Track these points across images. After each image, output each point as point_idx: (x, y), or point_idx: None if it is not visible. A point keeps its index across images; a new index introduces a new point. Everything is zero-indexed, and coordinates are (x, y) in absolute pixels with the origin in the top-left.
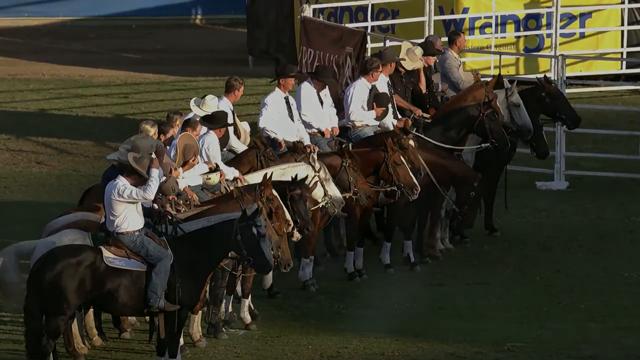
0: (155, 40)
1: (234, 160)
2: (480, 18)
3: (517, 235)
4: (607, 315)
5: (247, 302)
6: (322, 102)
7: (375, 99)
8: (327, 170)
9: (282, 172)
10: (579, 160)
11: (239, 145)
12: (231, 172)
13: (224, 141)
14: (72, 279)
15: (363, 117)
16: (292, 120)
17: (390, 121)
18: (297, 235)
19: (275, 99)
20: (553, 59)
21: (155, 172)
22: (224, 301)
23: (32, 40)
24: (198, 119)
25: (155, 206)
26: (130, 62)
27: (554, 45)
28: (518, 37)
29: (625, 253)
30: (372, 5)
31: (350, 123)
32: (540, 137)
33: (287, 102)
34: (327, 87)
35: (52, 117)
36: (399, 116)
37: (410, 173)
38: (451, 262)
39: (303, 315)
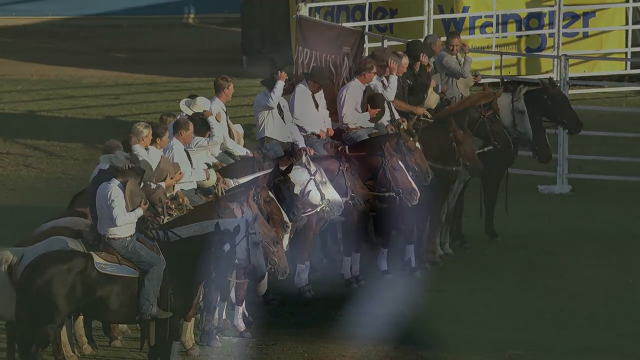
0: (147, 39)
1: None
2: (480, 17)
3: (518, 240)
4: (611, 322)
5: (241, 309)
6: (317, 105)
7: (370, 100)
8: (323, 173)
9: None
10: (582, 163)
11: (235, 147)
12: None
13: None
14: (62, 285)
15: (357, 119)
16: (284, 122)
17: (386, 122)
18: (288, 222)
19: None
20: (555, 59)
21: (139, 212)
22: (218, 308)
23: (20, 40)
24: (186, 117)
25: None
26: (122, 62)
27: (556, 45)
28: (520, 37)
29: (630, 258)
30: (370, 3)
31: (344, 125)
32: (543, 140)
33: (279, 105)
34: (322, 89)
35: (40, 119)
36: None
37: (409, 178)
38: (451, 268)
39: (299, 322)
